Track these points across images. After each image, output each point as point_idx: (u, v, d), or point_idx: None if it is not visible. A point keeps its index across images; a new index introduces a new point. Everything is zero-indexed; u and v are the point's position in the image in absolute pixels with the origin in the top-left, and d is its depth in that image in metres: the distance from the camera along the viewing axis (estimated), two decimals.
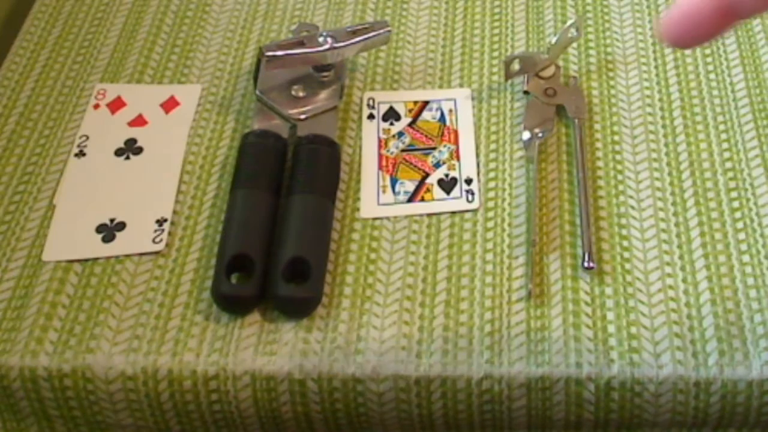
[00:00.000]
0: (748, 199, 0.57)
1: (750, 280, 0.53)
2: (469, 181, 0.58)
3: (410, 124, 0.62)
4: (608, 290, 0.53)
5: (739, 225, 0.56)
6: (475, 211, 0.57)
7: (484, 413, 0.51)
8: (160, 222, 0.57)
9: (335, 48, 0.61)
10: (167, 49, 0.67)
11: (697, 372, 0.50)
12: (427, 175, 0.59)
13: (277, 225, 0.55)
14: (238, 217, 0.55)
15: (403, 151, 0.60)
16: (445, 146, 0.60)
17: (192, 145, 0.61)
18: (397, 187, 0.58)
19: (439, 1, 0.70)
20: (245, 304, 0.52)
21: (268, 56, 0.60)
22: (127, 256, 0.55)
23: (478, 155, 0.60)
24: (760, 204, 0.57)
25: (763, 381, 0.50)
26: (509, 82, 0.64)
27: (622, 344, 0.51)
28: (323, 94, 0.62)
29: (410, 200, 0.58)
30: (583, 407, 0.50)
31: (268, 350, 0.51)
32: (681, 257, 0.55)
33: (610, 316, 0.52)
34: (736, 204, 0.57)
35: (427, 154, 0.60)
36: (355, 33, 0.62)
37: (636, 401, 0.50)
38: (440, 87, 0.64)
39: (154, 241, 0.56)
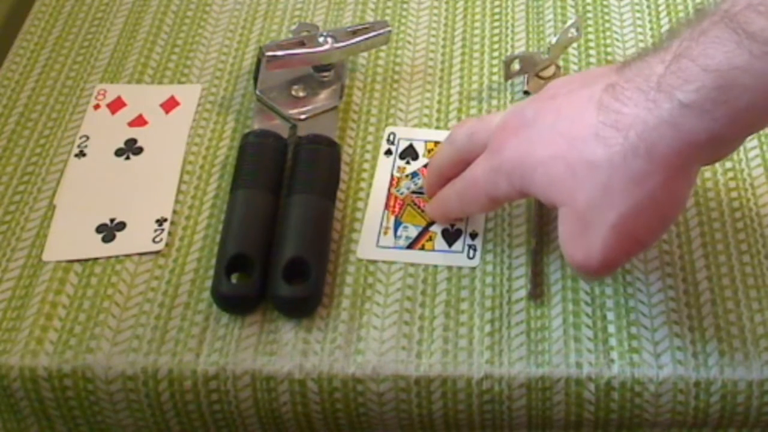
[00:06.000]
0: (748, 199, 0.57)
1: (750, 280, 0.53)
2: (473, 236, 0.56)
3: (426, 165, 0.59)
4: (608, 290, 0.53)
5: (739, 225, 0.56)
6: (473, 268, 0.54)
7: (484, 413, 0.51)
8: (160, 222, 0.57)
9: (335, 48, 0.61)
10: (167, 49, 0.67)
11: (698, 372, 0.50)
12: (432, 222, 0.57)
13: (277, 225, 0.55)
14: (238, 217, 0.55)
15: (413, 192, 0.58)
16: None
17: (192, 145, 0.61)
18: (400, 231, 0.56)
19: (439, 1, 0.70)
20: (245, 304, 0.52)
21: (268, 56, 0.60)
22: (127, 256, 0.55)
23: None
24: (760, 204, 0.57)
25: (763, 381, 0.50)
26: (509, 82, 0.64)
27: (622, 344, 0.51)
28: (323, 94, 0.62)
29: (410, 246, 0.55)
30: (583, 407, 0.50)
31: (268, 350, 0.51)
32: (681, 257, 0.55)
33: (610, 316, 0.52)
34: (736, 204, 0.57)
35: None
36: (355, 33, 0.62)
37: (636, 401, 0.50)
38: (440, 86, 0.64)
39: (154, 240, 0.56)
